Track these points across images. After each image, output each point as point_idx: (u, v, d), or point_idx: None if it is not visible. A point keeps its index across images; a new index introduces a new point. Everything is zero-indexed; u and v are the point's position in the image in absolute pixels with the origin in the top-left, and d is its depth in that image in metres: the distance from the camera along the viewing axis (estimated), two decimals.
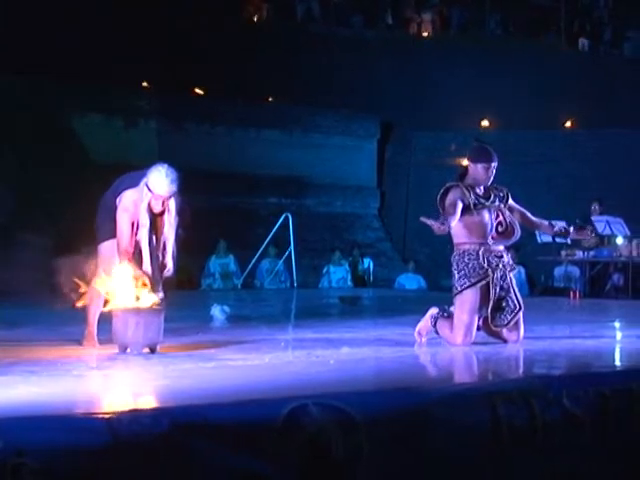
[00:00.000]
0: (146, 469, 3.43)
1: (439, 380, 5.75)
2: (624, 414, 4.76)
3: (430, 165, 18.79)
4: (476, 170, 6.84)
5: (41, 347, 6.37)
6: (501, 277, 6.89)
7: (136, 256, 6.40)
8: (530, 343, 7.01)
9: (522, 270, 16.11)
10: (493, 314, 6.87)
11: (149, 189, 6.38)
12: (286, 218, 16.28)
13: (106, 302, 6.34)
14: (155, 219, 6.50)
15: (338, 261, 17.05)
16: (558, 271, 15.64)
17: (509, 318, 6.91)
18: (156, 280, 6.48)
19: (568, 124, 19.61)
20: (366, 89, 19.31)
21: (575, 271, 15.36)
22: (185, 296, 12.46)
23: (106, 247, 6.51)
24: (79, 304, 6.49)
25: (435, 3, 22.47)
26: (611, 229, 14.48)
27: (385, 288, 16.82)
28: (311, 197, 18.76)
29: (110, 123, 16.52)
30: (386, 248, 19.46)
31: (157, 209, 6.45)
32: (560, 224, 7.23)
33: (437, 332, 6.94)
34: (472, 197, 6.78)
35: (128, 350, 6.03)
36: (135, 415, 3.60)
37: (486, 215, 6.86)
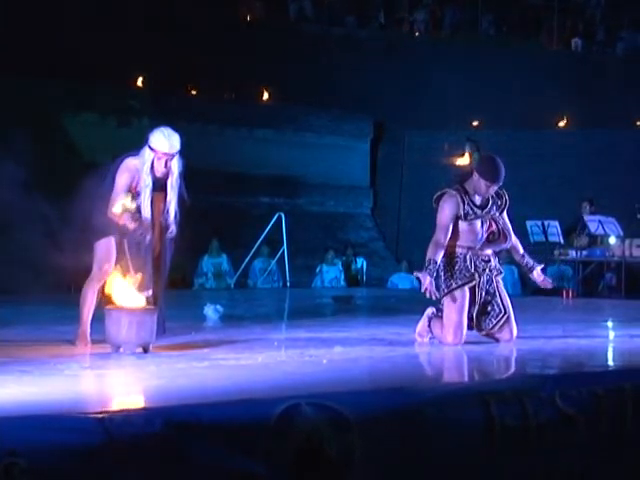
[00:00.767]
0: (139, 469, 3.42)
1: (432, 380, 5.76)
2: (617, 413, 4.77)
3: (423, 165, 18.80)
4: (479, 183, 6.85)
5: (34, 346, 6.36)
6: (487, 281, 6.91)
7: (138, 220, 6.38)
8: (523, 343, 7.02)
9: (514, 270, 16.12)
10: (479, 318, 6.89)
11: (152, 149, 6.39)
12: (279, 217, 16.27)
13: (107, 301, 6.32)
14: (157, 185, 6.47)
15: (331, 261, 17.04)
16: (551, 271, 15.63)
17: (494, 322, 6.92)
18: (148, 275, 6.48)
19: (561, 124, 19.63)
20: (359, 89, 19.31)
21: (568, 271, 15.37)
22: (178, 295, 12.43)
23: (103, 245, 6.48)
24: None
25: (428, 3, 22.47)
26: (604, 229, 14.49)
27: (378, 288, 16.82)
28: (304, 196, 18.75)
29: (103, 122, 16.49)
30: (379, 248, 19.46)
31: (160, 170, 6.43)
32: (530, 261, 7.21)
33: (432, 332, 6.96)
34: (466, 207, 6.82)
35: (121, 350, 6.02)
36: (128, 415, 3.60)
37: (478, 225, 6.90)
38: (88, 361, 5.73)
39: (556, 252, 15.19)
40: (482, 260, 6.91)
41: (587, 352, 6.74)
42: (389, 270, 18.07)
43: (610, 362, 6.58)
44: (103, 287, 6.39)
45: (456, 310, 6.79)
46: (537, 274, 7.15)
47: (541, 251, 15.35)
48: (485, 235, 6.92)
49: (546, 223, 14.90)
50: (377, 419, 4.01)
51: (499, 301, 6.93)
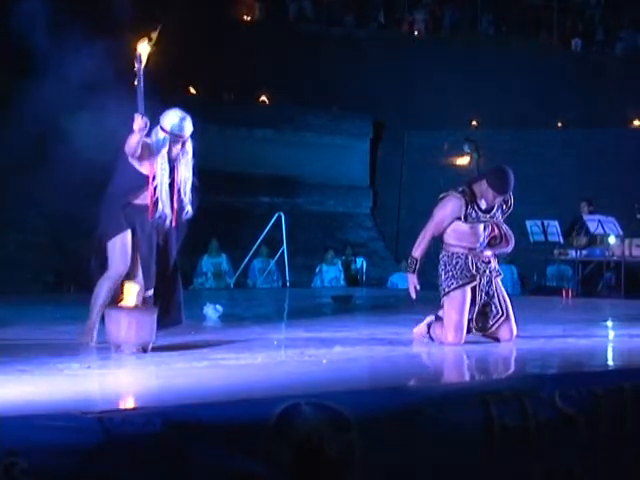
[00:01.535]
0: (139, 468, 3.42)
1: (432, 379, 5.76)
2: (616, 413, 4.77)
3: (423, 164, 18.81)
4: (487, 191, 6.90)
5: (33, 346, 6.36)
6: (487, 283, 6.95)
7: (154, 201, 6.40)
8: (523, 342, 7.02)
9: (513, 269, 16.14)
10: (477, 318, 6.91)
11: (166, 131, 6.39)
12: (279, 217, 16.27)
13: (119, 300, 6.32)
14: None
15: (331, 260, 17.04)
16: (551, 270, 15.66)
17: (491, 323, 6.95)
18: (153, 269, 6.49)
19: (560, 124, 19.63)
20: (359, 88, 19.31)
21: (568, 270, 15.38)
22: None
23: (118, 244, 6.46)
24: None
25: (427, 3, 22.48)
26: (603, 228, 14.49)
27: (378, 287, 16.82)
28: (304, 196, 18.76)
29: (102, 122, 16.48)
30: (379, 247, 19.47)
31: (175, 152, 6.45)
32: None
33: (431, 338, 6.97)
34: (470, 210, 6.86)
35: (121, 349, 6.02)
36: (127, 414, 3.60)
37: (480, 228, 6.93)
38: (88, 361, 5.73)
39: (556, 252, 15.20)
40: (482, 261, 6.94)
41: (587, 352, 6.74)
42: (389, 270, 18.08)
43: (610, 362, 6.58)
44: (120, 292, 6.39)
45: (457, 309, 6.80)
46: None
47: (541, 251, 15.38)
48: (487, 239, 6.95)
49: (546, 223, 14.92)
50: (377, 419, 4.01)
51: (497, 302, 6.95)
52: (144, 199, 6.50)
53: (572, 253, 15.07)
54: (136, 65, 6.42)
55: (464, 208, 6.85)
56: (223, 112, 17.86)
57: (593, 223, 14.59)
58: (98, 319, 6.50)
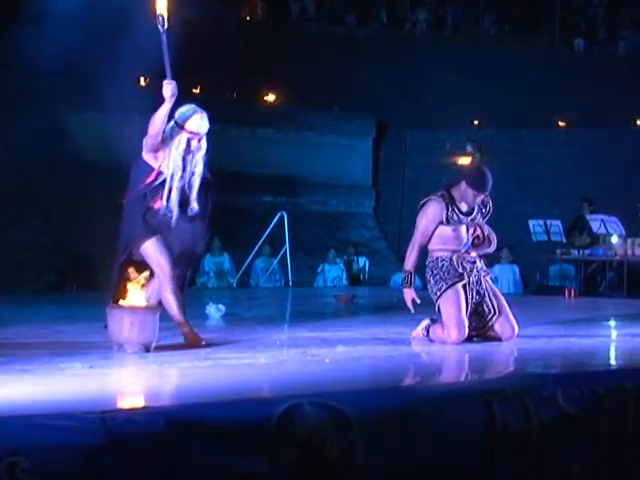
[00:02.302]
0: (141, 468, 3.42)
1: (434, 379, 5.75)
2: (618, 413, 4.77)
3: (425, 164, 18.80)
4: (467, 191, 6.98)
5: (35, 345, 6.36)
6: (476, 282, 6.98)
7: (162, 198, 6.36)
8: (525, 342, 7.02)
9: (516, 269, 16.13)
10: (471, 319, 6.93)
11: (184, 129, 6.35)
12: (281, 217, 16.27)
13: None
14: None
15: (333, 260, 17.04)
16: (553, 269, 15.65)
17: (485, 322, 6.98)
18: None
19: (562, 123, 19.62)
20: (361, 88, 19.31)
21: (570, 270, 15.37)
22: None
23: (150, 247, 6.41)
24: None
25: (429, 2, 22.47)
26: (606, 228, 14.49)
27: (380, 287, 16.81)
28: (306, 196, 18.75)
29: (105, 121, 16.47)
30: (381, 247, 19.46)
31: (190, 149, 6.39)
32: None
33: (431, 341, 6.98)
34: (451, 212, 6.96)
35: (123, 349, 6.02)
36: (130, 414, 3.60)
37: (463, 231, 6.99)
38: (90, 360, 5.73)
39: (558, 251, 15.20)
40: (468, 261, 7.00)
41: (589, 351, 6.74)
42: (391, 269, 18.06)
43: (612, 361, 6.57)
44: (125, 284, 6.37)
45: (454, 306, 6.83)
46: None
47: (543, 250, 15.38)
48: (470, 239, 7.00)
49: (548, 222, 14.92)
50: (379, 418, 4.02)
51: (489, 301, 7.00)
52: (160, 200, 6.46)
53: (574, 253, 15.08)
54: (159, 27, 6.37)
55: (445, 211, 6.94)
56: (225, 111, 17.83)
57: (596, 223, 14.59)
58: (184, 320, 6.49)
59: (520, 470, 4.50)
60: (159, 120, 6.30)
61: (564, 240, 14.97)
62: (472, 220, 7.02)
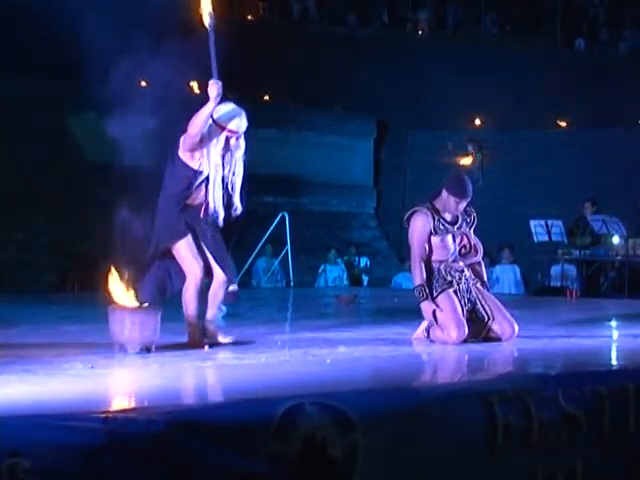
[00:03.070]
0: (142, 468, 3.42)
1: (436, 379, 5.76)
2: (620, 413, 4.77)
3: (426, 164, 18.80)
4: (448, 200, 7.02)
5: (37, 346, 6.36)
6: (466, 290, 6.99)
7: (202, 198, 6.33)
8: (526, 342, 7.02)
9: (517, 269, 16.13)
10: (467, 325, 6.92)
11: (222, 126, 6.32)
12: (282, 217, 16.26)
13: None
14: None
15: (334, 260, 17.03)
16: (554, 270, 15.64)
17: (481, 328, 6.97)
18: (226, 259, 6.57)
19: (564, 123, 19.61)
20: (362, 88, 19.30)
21: (572, 270, 15.36)
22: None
23: (183, 248, 6.40)
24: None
25: (431, 2, 22.47)
26: (607, 228, 14.48)
27: (381, 287, 16.80)
28: (307, 196, 18.75)
29: (105, 121, 16.46)
30: (382, 247, 19.46)
31: (228, 148, 6.37)
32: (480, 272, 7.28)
33: (432, 341, 6.98)
34: (437, 222, 7.01)
35: (124, 349, 6.01)
36: (131, 414, 3.60)
37: (449, 240, 7.05)
38: (91, 361, 5.73)
39: (560, 252, 15.19)
40: (456, 270, 7.04)
41: (590, 352, 6.74)
42: (392, 269, 18.07)
43: (613, 362, 6.57)
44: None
45: (450, 308, 6.84)
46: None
47: (544, 251, 15.37)
48: (458, 248, 7.06)
49: (550, 223, 14.91)
50: (380, 419, 4.02)
51: (481, 308, 7.00)
52: (198, 199, 6.43)
53: (576, 253, 15.07)
54: (208, 24, 6.35)
55: (431, 220, 6.99)
56: None
57: (597, 223, 14.58)
58: (198, 325, 6.46)
59: (522, 470, 4.50)
60: (201, 120, 6.28)
61: (565, 240, 14.96)
62: (458, 229, 7.08)
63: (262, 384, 4.92)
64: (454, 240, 7.05)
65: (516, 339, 7.03)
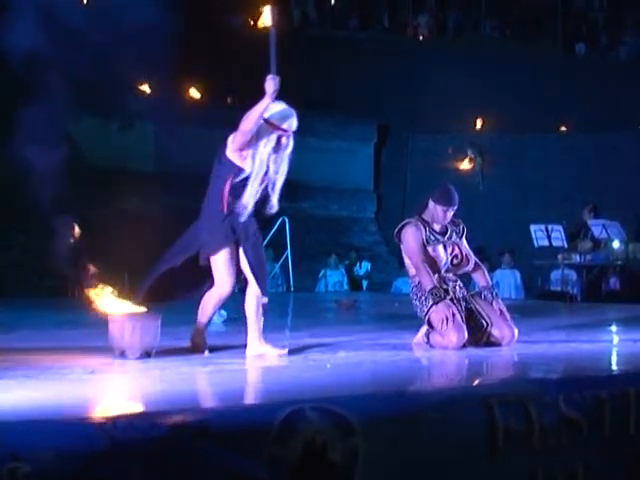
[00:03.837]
0: (142, 474, 3.42)
1: (436, 384, 5.75)
2: (621, 418, 4.76)
3: (427, 168, 18.80)
4: (435, 210, 7.12)
5: (37, 351, 6.36)
6: (462, 299, 7.01)
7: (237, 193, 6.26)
8: (527, 347, 7.02)
9: (517, 274, 16.13)
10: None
11: (274, 125, 6.29)
12: (283, 221, 16.26)
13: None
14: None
15: (334, 265, 17.04)
16: (555, 275, 15.64)
17: (481, 334, 6.97)
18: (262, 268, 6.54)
19: (564, 128, 19.62)
20: (363, 92, 19.30)
21: (572, 275, 15.36)
22: (181, 300, 12.42)
23: (221, 259, 6.33)
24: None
25: (431, 6, 22.48)
26: (607, 233, 14.48)
27: (382, 292, 16.81)
28: (308, 200, 18.74)
29: (106, 126, 16.49)
30: (383, 252, 19.46)
31: (278, 147, 6.34)
32: (489, 296, 7.26)
33: (432, 346, 6.98)
34: (427, 233, 7.08)
35: (125, 354, 6.01)
36: (131, 420, 3.60)
37: (441, 250, 7.13)
38: (92, 366, 5.73)
39: (560, 256, 15.18)
40: (450, 280, 7.11)
41: (591, 356, 6.73)
42: (393, 274, 18.07)
43: (614, 367, 6.57)
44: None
45: (447, 313, 6.83)
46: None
47: (545, 255, 15.37)
48: (450, 258, 7.13)
49: (550, 227, 14.91)
50: (381, 423, 4.01)
51: (478, 315, 7.02)
52: (245, 201, 6.34)
53: (576, 258, 15.07)
54: (268, 22, 6.33)
55: (423, 230, 7.06)
56: (227, 116, 17.83)
57: (597, 228, 14.58)
58: (205, 330, 6.42)
59: (522, 474, 4.49)
60: (256, 116, 6.22)
61: (566, 245, 14.96)
62: (448, 239, 7.15)
63: (262, 389, 4.92)
64: (445, 250, 7.10)
65: (517, 344, 7.04)
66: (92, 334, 7.01)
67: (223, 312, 9.12)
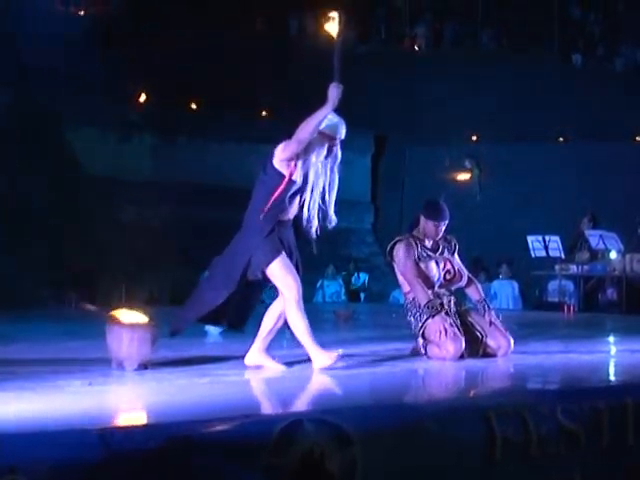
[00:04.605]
0: None
1: (433, 395, 5.75)
2: (618, 429, 4.76)
3: (424, 180, 18.80)
4: (426, 225, 7.15)
5: (35, 363, 6.35)
6: (455, 313, 7.00)
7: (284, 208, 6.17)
8: (524, 358, 7.02)
9: (515, 284, 16.13)
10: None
11: (324, 133, 6.16)
12: None
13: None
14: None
15: (332, 275, 17.02)
16: (552, 285, 15.64)
17: (476, 348, 6.97)
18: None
19: (561, 138, 19.65)
20: (360, 103, 19.29)
21: (569, 285, 15.36)
22: (179, 311, 12.42)
23: (277, 267, 6.21)
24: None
25: (428, 18, 22.52)
26: (604, 244, 14.48)
27: (379, 302, 16.80)
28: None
29: (104, 137, 16.51)
30: (380, 262, 19.43)
31: (328, 156, 6.24)
32: (478, 299, 7.27)
33: (429, 358, 6.97)
34: (419, 250, 7.10)
35: (122, 366, 6.01)
36: (129, 431, 3.60)
37: (434, 267, 7.13)
38: (89, 378, 5.72)
39: (557, 267, 15.18)
40: (444, 295, 7.11)
41: (588, 367, 6.73)
42: (390, 285, 18.04)
43: (611, 377, 6.57)
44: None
45: (443, 325, 6.83)
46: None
47: (542, 266, 15.37)
48: (442, 274, 7.13)
49: (547, 238, 14.90)
50: (378, 435, 4.01)
51: (474, 329, 7.02)
52: (290, 213, 6.28)
53: (573, 268, 15.06)
54: (332, 30, 6.30)
55: (414, 247, 7.08)
56: (224, 127, 17.87)
57: (594, 238, 14.58)
58: (314, 342, 6.19)
59: None
60: (314, 124, 6.10)
61: (563, 256, 14.96)
62: (440, 255, 7.16)
63: (260, 400, 4.92)
64: (437, 266, 7.12)
65: (514, 354, 7.04)
66: (90, 346, 7.00)
67: None
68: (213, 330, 8.99)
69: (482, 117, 19.02)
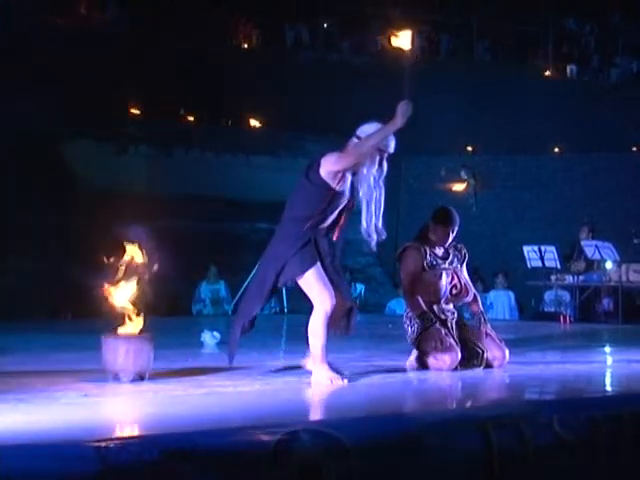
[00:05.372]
0: None
1: (430, 406, 5.74)
2: (615, 439, 4.76)
3: (420, 190, 18.82)
4: (436, 231, 7.08)
5: (31, 374, 6.34)
6: (455, 328, 6.95)
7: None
8: (521, 368, 7.02)
9: (511, 295, 16.13)
10: (461, 362, 6.89)
11: (387, 150, 6.24)
12: None
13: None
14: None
15: None
16: (548, 296, 15.65)
17: (477, 363, 6.94)
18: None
19: (557, 149, 19.68)
20: (356, 114, 19.29)
21: (565, 296, 15.36)
22: (175, 322, 12.44)
23: (308, 280, 6.19)
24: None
25: (424, 29, 22.55)
26: (600, 254, 14.49)
27: (375, 313, 16.78)
28: None
29: (100, 149, 16.51)
30: (376, 273, 19.44)
31: (381, 169, 6.23)
32: (476, 311, 7.26)
33: (425, 369, 6.95)
34: (429, 258, 7.03)
35: (118, 377, 6.00)
36: (124, 443, 3.59)
37: (443, 278, 7.00)
38: (85, 389, 5.71)
39: (553, 277, 15.19)
40: (448, 310, 7.04)
41: (585, 378, 6.73)
42: (387, 295, 18.05)
43: (608, 388, 6.57)
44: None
45: (438, 335, 6.82)
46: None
47: (538, 276, 15.38)
48: (449, 288, 7.02)
49: (543, 248, 14.92)
50: (375, 446, 4.00)
51: (473, 345, 6.98)
52: (329, 222, 6.28)
53: (569, 278, 15.07)
54: (407, 42, 6.30)
55: (424, 254, 7.01)
56: (220, 139, 17.89)
57: (590, 248, 14.59)
58: (324, 358, 6.21)
59: None
60: (380, 138, 6.20)
61: (559, 266, 14.97)
62: (450, 264, 7.06)
63: (256, 411, 4.90)
64: (446, 278, 7.00)
65: (511, 365, 7.03)
66: (85, 357, 6.99)
67: (216, 334, 9.11)
68: (209, 340, 8.99)
69: (478, 128, 19.05)
